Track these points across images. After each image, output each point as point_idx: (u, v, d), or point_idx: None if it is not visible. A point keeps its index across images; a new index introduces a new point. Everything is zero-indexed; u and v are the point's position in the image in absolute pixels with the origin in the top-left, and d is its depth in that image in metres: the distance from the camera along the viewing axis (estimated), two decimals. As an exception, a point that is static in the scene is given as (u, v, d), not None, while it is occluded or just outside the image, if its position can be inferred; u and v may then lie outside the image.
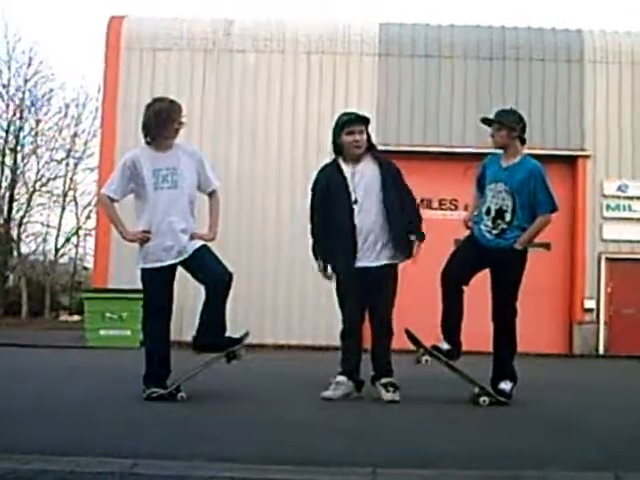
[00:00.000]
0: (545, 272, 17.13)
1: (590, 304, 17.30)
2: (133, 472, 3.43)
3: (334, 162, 6.55)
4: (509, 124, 6.27)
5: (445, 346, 6.28)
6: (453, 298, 6.34)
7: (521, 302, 6.36)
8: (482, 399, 5.97)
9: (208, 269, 6.02)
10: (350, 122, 6.44)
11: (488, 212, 6.29)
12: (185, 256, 6.02)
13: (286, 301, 17.00)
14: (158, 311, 6.07)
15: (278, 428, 4.77)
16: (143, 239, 6.02)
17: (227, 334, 6.13)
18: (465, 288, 6.37)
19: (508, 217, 6.19)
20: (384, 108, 17.11)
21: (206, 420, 5.04)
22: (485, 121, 6.44)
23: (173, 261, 6.04)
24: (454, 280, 6.33)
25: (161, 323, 6.08)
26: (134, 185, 6.06)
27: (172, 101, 6.19)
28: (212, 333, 6.02)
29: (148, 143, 6.13)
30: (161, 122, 6.01)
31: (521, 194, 6.16)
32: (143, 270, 6.12)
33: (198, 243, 6.08)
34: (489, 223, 6.26)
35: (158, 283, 6.06)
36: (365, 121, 6.48)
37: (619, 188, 17.50)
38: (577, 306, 17.35)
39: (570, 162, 17.27)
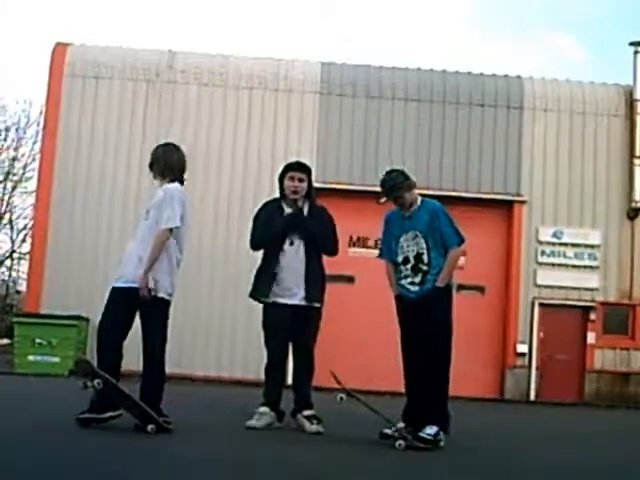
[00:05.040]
0: (479, 315, 17.25)
1: (522, 348, 17.42)
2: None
3: (278, 200, 6.90)
4: (411, 184, 6.45)
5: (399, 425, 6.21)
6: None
7: (454, 344, 6.33)
8: (398, 443, 5.88)
9: (147, 332, 6.09)
10: (292, 168, 6.88)
11: (406, 261, 6.42)
12: (157, 295, 6.03)
13: (218, 334, 16.81)
14: (115, 327, 6.05)
15: (186, 465, 4.63)
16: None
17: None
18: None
19: (426, 259, 6.34)
20: (324, 146, 17.19)
21: (115, 455, 4.87)
22: (391, 191, 6.43)
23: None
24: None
25: (115, 341, 6.06)
26: None
27: (158, 146, 6.70)
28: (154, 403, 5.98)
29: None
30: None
31: (431, 234, 6.36)
32: (114, 288, 6.14)
33: (160, 292, 6.07)
34: (409, 272, 6.39)
35: (124, 302, 6.04)
36: (306, 170, 6.88)
37: (554, 234, 17.76)
38: (510, 350, 17.44)
39: (506, 207, 17.34)
